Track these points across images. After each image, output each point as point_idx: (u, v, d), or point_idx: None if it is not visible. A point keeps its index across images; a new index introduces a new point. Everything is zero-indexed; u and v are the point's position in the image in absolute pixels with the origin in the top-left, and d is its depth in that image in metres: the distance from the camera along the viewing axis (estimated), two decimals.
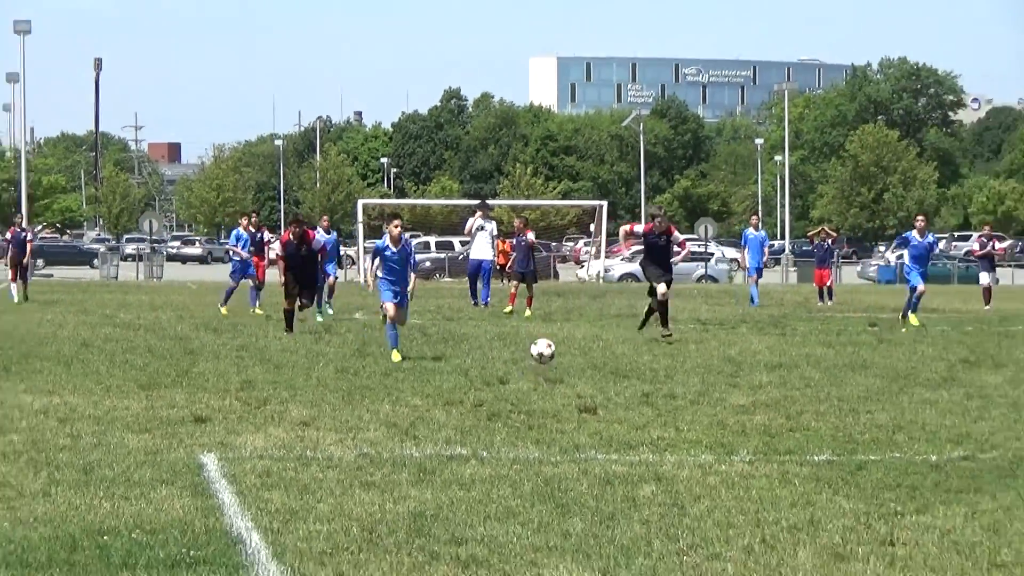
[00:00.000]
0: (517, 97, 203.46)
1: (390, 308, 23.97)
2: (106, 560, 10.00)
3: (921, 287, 34.23)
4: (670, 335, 28.62)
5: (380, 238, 25.22)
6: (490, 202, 53.31)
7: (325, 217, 42.69)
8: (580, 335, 30.63)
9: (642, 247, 31.01)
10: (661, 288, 28.70)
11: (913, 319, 33.97)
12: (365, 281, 37.79)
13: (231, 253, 39.89)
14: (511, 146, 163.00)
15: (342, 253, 55.85)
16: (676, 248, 30.49)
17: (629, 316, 37.86)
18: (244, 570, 9.79)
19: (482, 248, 40.69)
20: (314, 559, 10.14)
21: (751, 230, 46.39)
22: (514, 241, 41.28)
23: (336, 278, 39.78)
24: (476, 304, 40.35)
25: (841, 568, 10.10)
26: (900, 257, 35.69)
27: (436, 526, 11.24)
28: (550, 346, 21.54)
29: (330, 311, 35.99)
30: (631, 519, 11.64)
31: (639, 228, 30.81)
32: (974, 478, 13.60)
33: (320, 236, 32.14)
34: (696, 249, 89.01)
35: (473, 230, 41.15)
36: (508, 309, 37.45)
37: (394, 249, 24.20)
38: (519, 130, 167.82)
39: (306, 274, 30.28)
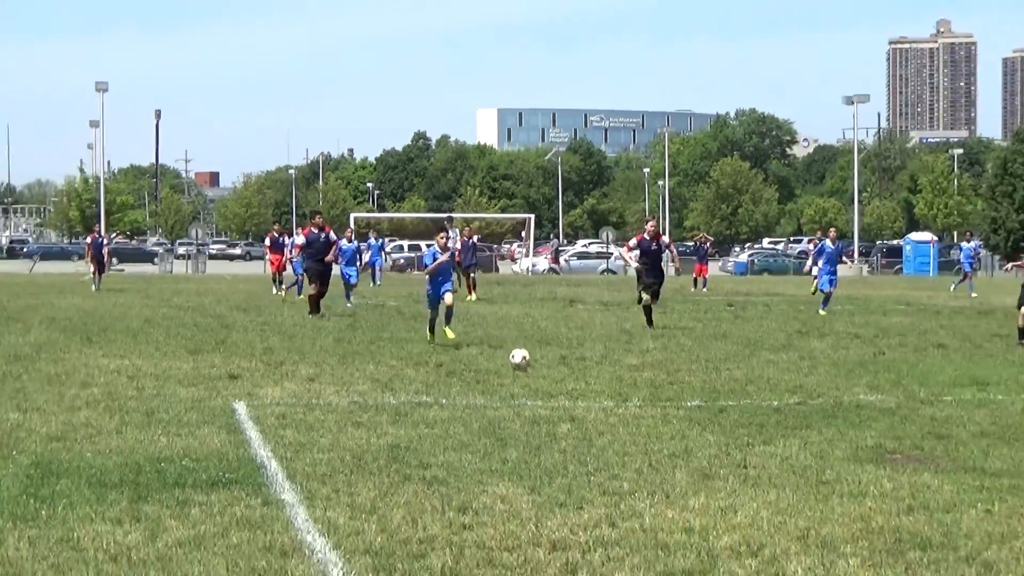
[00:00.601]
0: (468, 138, 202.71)
1: (448, 297, 22.56)
2: (163, 481, 9.91)
3: (828, 289, 31.50)
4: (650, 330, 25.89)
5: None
6: (453, 216, 52.97)
7: (350, 229, 39.52)
8: (514, 313, 30.63)
9: (639, 254, 26.43)
10: (646, 297, 25.98)
11: (822, 312, 31.01)
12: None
13: (291, 255, 37.11)
14: (464, 174, 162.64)
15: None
16: (665, 252, 27.48)
17: (551, 300, 37.89)
18: (265, 488, 9.72)
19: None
20: (317, 479, 10.07)
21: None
22: (459, 244, 41.18)
23: (357, 279, 35.19)
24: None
25: (708, 484, 10.10)
26: (816, 263, 33.57)
27: (408, 455, 11.19)
28: (524, 358, 19.96)
29: (349, 304, 33.07)
30: (552, 449, 11.61)
31: (633, 241, 26.68)
32: (805, 418, 13.64)
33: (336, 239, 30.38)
34: (599, 249, 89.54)
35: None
36: (470, 298, 36.99)
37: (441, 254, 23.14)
38: (469, 162, 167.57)
39: (323, 262, 29.07)
